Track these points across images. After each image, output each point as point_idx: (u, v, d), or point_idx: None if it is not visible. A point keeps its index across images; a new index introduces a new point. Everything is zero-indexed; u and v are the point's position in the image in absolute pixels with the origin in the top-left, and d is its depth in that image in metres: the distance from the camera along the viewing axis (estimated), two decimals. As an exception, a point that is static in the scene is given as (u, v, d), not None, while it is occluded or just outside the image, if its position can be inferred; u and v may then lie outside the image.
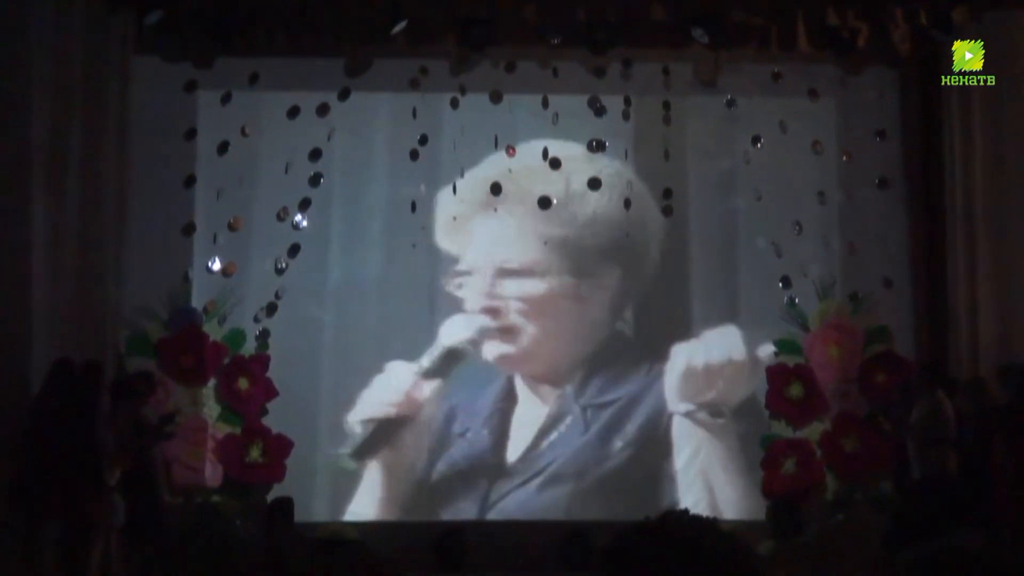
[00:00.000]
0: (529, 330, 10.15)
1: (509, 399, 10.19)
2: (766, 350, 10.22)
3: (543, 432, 10.11)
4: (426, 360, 10.06)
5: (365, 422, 10.01)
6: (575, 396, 10.17)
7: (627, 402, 10.15)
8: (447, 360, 10.08)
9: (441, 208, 10.21)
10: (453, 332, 10.10)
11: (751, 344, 10.19)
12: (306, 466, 10.01)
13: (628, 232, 10.16)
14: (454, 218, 10.14)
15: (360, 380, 10.11)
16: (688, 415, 10.05)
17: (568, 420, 10.13)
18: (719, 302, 10.35)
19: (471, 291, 10.17)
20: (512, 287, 10.16)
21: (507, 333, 10.12)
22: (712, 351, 10.15)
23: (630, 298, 10.35)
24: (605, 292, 10.28)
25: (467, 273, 10.19)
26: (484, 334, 10.09)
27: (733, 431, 10.09)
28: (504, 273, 10.17)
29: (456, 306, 10.19)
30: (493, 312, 10.11)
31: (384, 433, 10.02)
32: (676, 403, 10.07)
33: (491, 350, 10.12)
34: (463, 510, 10.03)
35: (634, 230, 10.23)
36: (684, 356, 10.14)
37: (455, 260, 10.22)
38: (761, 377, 10.18)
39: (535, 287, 10.19)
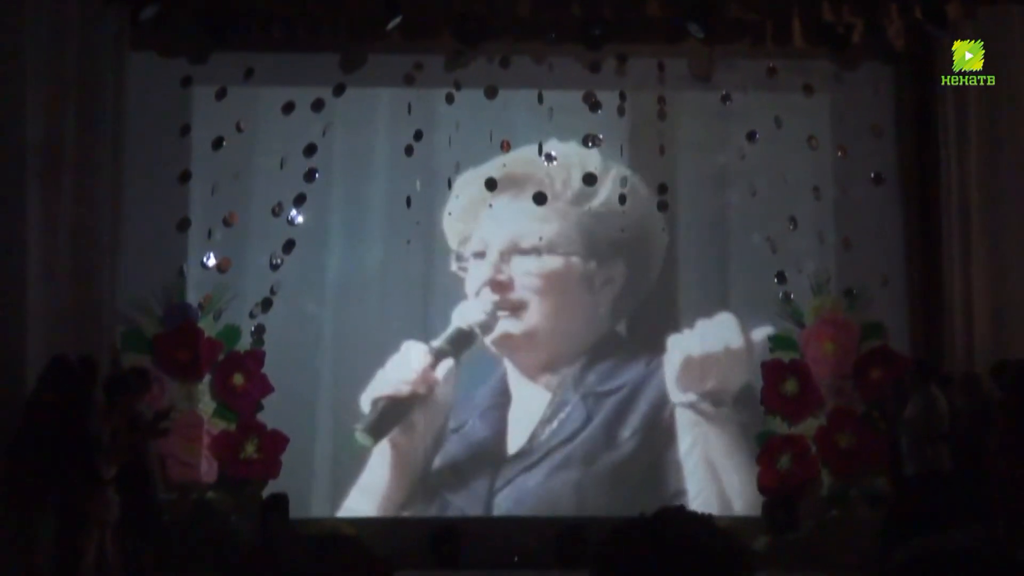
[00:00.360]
0: (534, 307, 10.13)
1: (505, 394, 10.19)
2: (761, 333, 10.22)
3: (544, 421, 10.11)
4: (437, 340, 10.09)
5: (376, 401, 9.98)
6: (574, 385, 10.17)
7: (629, 392, 10.15)
8: (458, 341, 10.09)
9: (453, 193, 10.22)
10: (465, 313, 10.11)
11: (746, 331, 10.19)
12: (302, 461, 10.01)
13: (623, 228, 10.17)
14: (466, 202, 10.18)
15: (356, 375, 10.10)
16: (691, 405, 10.07)
17: (568, 408, 10.13)
18: (714, 299, 10.34)
19: (478, 272, 10.16)
20: (523, 264, 10.16)
21: (515, 309, 10.10)
22: (708, 340, 10.15)
23: (631, 301, 10.35)
24: (611, 286, 10.27)
25: (477, 255, 10.17)
26: (494, 314, 10.07)
27: (735, 419, 10.10)
28: (515, 250, 10.18)
29: (458, 290, 10.17)
30: (502, 286, 10.11)
31: (394, 413, 10.00)
32: (677, 394, 10.09)
33: (496, 332, 10.10)
34: (469, 496, 10.03)
35: (644, 236, 10.27)
36: (681, 347, 10.15)
37: (456, 249, 10.21)
38: (758, 362, 10.20)
39: (546, 264, 10.18)
